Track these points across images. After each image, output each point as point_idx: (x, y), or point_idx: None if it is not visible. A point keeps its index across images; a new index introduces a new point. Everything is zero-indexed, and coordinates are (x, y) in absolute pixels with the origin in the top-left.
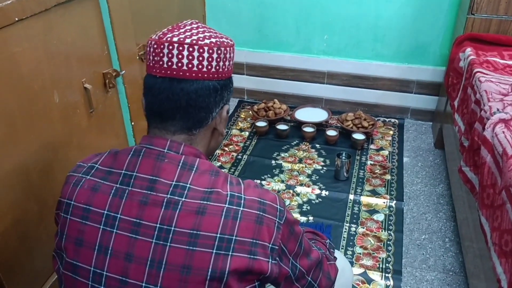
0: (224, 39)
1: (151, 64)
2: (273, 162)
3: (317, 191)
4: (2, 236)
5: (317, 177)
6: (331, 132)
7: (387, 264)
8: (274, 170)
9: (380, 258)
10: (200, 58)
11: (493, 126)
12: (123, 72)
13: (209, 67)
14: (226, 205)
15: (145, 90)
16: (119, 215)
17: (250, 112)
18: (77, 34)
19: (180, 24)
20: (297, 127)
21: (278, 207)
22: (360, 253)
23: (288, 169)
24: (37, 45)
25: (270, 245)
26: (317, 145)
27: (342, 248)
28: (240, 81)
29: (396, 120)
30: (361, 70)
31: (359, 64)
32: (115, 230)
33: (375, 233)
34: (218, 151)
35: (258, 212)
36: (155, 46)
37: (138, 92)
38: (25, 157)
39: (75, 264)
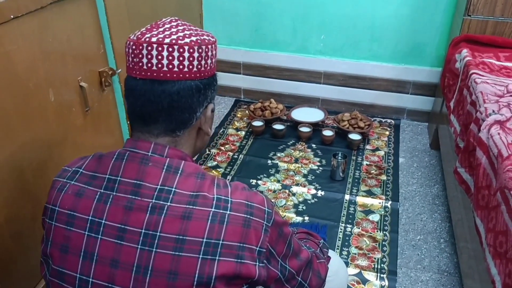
0: (205, 37)
1: (130, 66)
2: (269, 161)
3: (313, 191)
4: None
5: (313, 177)
6: (327, 132)
7: (382, 265)
8: (270, 170)
9: (375, 258)
10: (181, 58)
11: (489, 128)
12: (119, 70)
13: (190, 66)
14: (213, 209)
15: (126, 92)
16: (103, 221)
17: (247, 111)
18: (73, 32)
19: (158, 23)
20: (294, 127)
21: (266, 209)
22: (355, 254)
23: (284, 169)
24: (32, 43)
25: (258, 248)
26: (313, 145)
27: (337, 248)
28: (236, 80)
29: (392, 121)
30: (357, 70)
31: (355, 64)
32: (100, 236)
33: (371, 233)
34: (214, 151)
35: (246, 216)
36: (134, 47)
37: None
38: (19, 155)
39: (61, 271)
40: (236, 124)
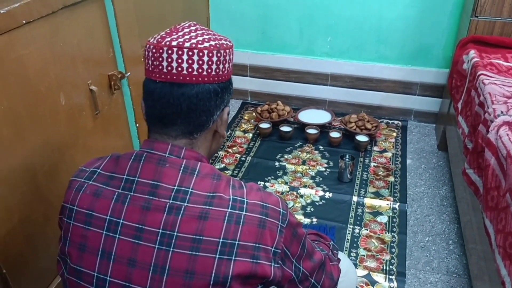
0: (223, 41)
1: (150, 69)
2: (276, 163)
3: (321, 193)
4: (9, 235)
5: (320, 179)
6: (335, 134)
7: (390, 266)
8: (277, 172)
9: (383, 260)
10: (200, 62)
11: (497, 129)
12: (128, 74)
13: (209, 70)
14: (229, 210)
15: (145, 95)
16: (121, 221)
17: (254, 113)
18: (83, 36)
19: (178, 27)
20: (301, 129)
21: (281, 210)
22: (363, 255)
23: (292, 170)
24: (43, 47)
25: (273, 249)
26: (321, 147)
27: (345, 250)
28: (243, 82)
29: (399, 122)
30: (364, 72)
31: (362, 66)
32: (117, 236)
33: (379, 235)
34: (221, 153)
35: (261, 216)
36: (154, 50)
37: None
38: (31, 158)
39: (79, 270)
40: (244, 126)
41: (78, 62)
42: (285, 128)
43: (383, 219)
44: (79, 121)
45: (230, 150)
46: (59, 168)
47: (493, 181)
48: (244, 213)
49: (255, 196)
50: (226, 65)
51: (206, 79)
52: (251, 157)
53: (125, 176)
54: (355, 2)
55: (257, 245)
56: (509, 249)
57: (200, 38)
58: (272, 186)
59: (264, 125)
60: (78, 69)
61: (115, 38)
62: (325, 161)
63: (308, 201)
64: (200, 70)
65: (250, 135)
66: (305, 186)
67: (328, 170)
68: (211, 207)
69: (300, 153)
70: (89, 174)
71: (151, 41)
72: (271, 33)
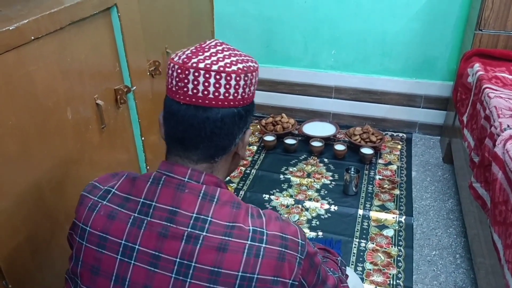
0: (250, 63)
1: (173, 89)
2: (281, 176)
3: (326, 206)
4: (15, 251)
5: (325, 192)
6: (339, 147)
7: (397, 281)
8: (282, 185)
9: (390, 274)
10: (227, 86)
11: (504, 143)
12: (134, 88)
13: (236, 94)
14: (249, 242)
15: (167, 114)
16: (137, 246)
17: (258, 126)
18: (90, 51)
19: (204, 46)
20: (305, 142)
21: (300, 241)
22: (370, 269)
23: (297, 183)
24: (51, 63)
25: (291, 281)
26: (326, 160)
27: (352, 264)
28: None
29: (404, 135)
30: (368, 84)
31: (366, 78)
32: (132, 261)
33: (385, 248)
34: None
35: (280, 249)
36: (179, 71)
37: (149, 107)
38: (38, 173)
39: None
40: None
41: (85, 77)
42: (289, 141)
43: (389, 232)
44: (85, 136)
45: None
46: (65, 183)
47: (501, 196)
48: (264, 245)
49: (274, 226)
50: (252, 88)
51: (232, 103)
52: (256, 170)
53: (142, 200)
54: (359, 15)
55: (275, 278)
56: None
57: (228, 61)
58: (277, 199)
59: (269, 138)
60: (85, 84)
61: (122, 52)
62: (330, 174)
63: (314, 214)
64: (226, 94)
65: (255, 147)
66: (310, 199)
67: (333, 183)
68: (230, 238)
69: (305, 165)
70: (103, 193)
71: (175, 59)
72: (276, 46)
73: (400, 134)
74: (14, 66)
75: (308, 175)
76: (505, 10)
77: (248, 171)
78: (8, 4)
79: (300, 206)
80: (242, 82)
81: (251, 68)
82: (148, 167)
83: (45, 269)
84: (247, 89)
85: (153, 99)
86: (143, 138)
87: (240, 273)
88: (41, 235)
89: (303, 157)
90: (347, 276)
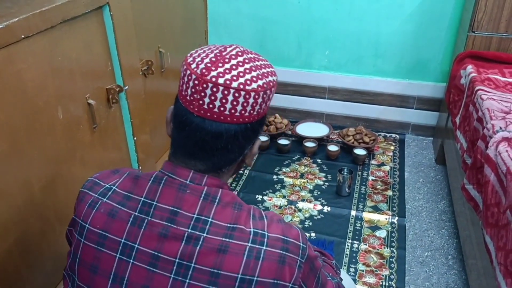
0: (270, 78)
1: (188, 98)
2: (274, 177)
3: (319, 207)
4: (5, 251)
5: (318, 193)
6: (333, 147)
7: (390, 282)
8: (275, 185)
9: (383, 275)
10: (245, 104)
11: (496, 145)
12: (127, 87)
13: (252, 111)
14: (249, 244)
15: (179, 124)
16: (136, 245)
17: None
18: (82, 50)
19: (224, 54)
20: (298, 142)
21: (301, 245)
22: (362, 271)
23: (290, 184)
24: (42, 62)
25: (290, 285)
26: (319, 160)
27: (344, 265)
28: None
29: (397, 136)
30: (362, 85)
31: (360, 79)
32: (132, 261)
33: (378, 250)
34: None
35: (281, 252)
36: (196, 82)
37: (141, 107)
38: (28, 172)
39: None
40: None
41: (77, 76)
42: (282, 141)
43: (382, 233)
44: (76, 135)
45: None
46: (56, 182)
47: (493, 198)
48: (264, 247)
49: (275, 229)
50: (268, 103)
51: (247, 119)
52: (249, 170)
53: (142, 199)
54: (353, 16)
55: (275, 281)
56: (511, 267)
57: (249, 77)
58: (270, 200)
59: (262, 138)
60: (76, 83)
61: (114, 52)
62: (323, 174)
63: (307, 215)
64: (243, 112)
65: None
66: (303, 200)
67: (326, 183)
68: (231, 240)
69: (298, 166)
70: (104, 190)
71: (193, 67)
72: (269, 46)
73: (393, 135)
74: (4, 65)
75: (301, 176)
76: (498, 12)
77: (241, 172)
78: None
79: (293, 207)
80: (260, 100)
81: (271, 84)
82: (140, 167)
83: (36, 269)
84: (263, 105)
85: (146, 98)
86: (135, 138)
87: (239, 275)
88: (31, 234)
89: (296, 157)
90: (341, 279)
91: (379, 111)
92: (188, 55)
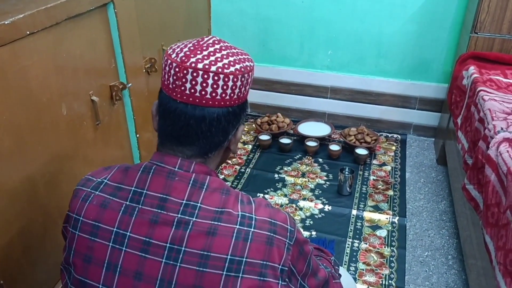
0: (247, 63)
1: (170, 86)
2: (276, 176)
3: (320, 206)
4: (8, 247)
5: (320, 192)
6: (334, 147)
7: (390, 281)
8: (277, 184)
9: (383, 274)
10: (225, 87)
11: (497, 145)
12: (130, 85)
13: (232, 94)
14: (237, 226)
15: (163, 111)
16: (128, 233)
17: (253, 125)
18: (86, 47)
19: (202, 43)
20: (300, 141)
21: (289, 227)
22: (363, 269)
23: (291, 183)
24: (46, 58)
25: (280, 267)
26: (320, 160)
27: (345, 264)
28: None
29: (399, 136)
30: (364, 85)
31: (362, 79)
32: (124, 248)
33: (378, 249)
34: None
35: (269, 233)
36: (177, 69)
37: (144, 104)
38: (32, 169)
39: (83, 281)
40: (243, 138)
41: (80, 73)
42: (284, 140)
43: (382, 233)
44: (79, 132)
45: (229, 161)
46: (59, 178)
47: (494, 198)
48: (252, 229)
49: (263, 212)
50: (247, 87)
51: (228, 102)
52: (250, 169)
53: (133, 188)
54: (356, 16)
55: (264, 262)
56: (510, 267)
57: (226, 61)
58: (271, 198)
59: (264, 137)
60: (80, 79)
61: (118, 49)
62: (325, 173)
63: (308, 214)
64: (223, 95)
65: (250, 146)
66: (304, 199)
67: (327, 183)
68: (219, 223)
69: (299, 165)
70: (96, 184)
71: (173, 57)
72: (272, 45)
73: (395, 135)
74: (9, 61)
75: (303, 175)
76: (500, 13)
77: (242, 170)
78: None
79: (294, 205)
80: (239, 83)
81: (248, 68)
82: None
83: (38, 264)
84: (242, 89)
85: (149, 96)
86: (137, 135)
87: (229, 256)
88: (34, 230)
89: (298, 156)
90: (340, 275)
91: (381, 111)
92: (168, 48)
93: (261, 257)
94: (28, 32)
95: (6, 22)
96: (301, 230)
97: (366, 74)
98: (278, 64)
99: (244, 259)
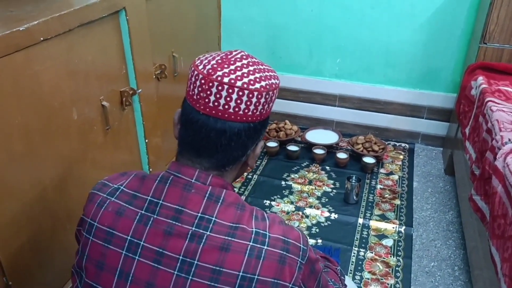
0: (272, 80)
1: (195, 97)
2: (283, 183)
3: (326, 214)
4: (17, 248)
5: (326, 200)
6: (342, 155)
7: None
8: (283, 191)
9: (388, 284)
10: (248, 103)
11: (505, 156)
12: (140, 90)
13: (255, 110)
14: (251, 243)
15: (185, 121)
16: (142, 242)
17: None
18: (97, 53)
19: (230, 57)
20: (308, 149)
21: (301, 246)
22: (368, 279)
23: (298, 190)
24: (59, 64)
25: (291, 285)
26: (327, 167)
27: (350, 273)
28: None
29: (407, 145)
30: (372, 94)
31: (370, 88)
32: (137, 257)
33: (384, 258)
34: None
35: (282, 252)
36: (203, 81)
37: (154, 110)
38: (42, 172)
39: (94, 286)
40: None
41: (92, 78)
42: (292, 148)
43: (389, 242)
44: (89, 136)
45: None
46: (68, 182)
47: (500, 209)
48: (265, 247)
49: (277, 230)
50: (270, 105)
51: (250, 118)
52: (257, 176)
53: (149, 198)
54: (364, 25)
55: (275, 281)
56: None
57: (252, 77)
58: (278, 205)
59: (271, 144)
60: (91, 85)
61: (128, 55)
62: (332, 181)
63: (314, 221)
64: (246, 110)
65: None
66: (311, 207)
67: (334, 191)
68: (233, 239)
69: (306, 173)
70: (112, 190)
71: (200, 68)
72: (281, 53)
73: (403, 144)
74: (22, 66)
75: (310, 182)
76: (510, 24)
77: (249, 177)
78: (19, 4)
79: (300, 213)
80: (262, 100)
81: (273, 85)
82: (150, 169)
83: (45, 267)
84: (266, 106)
85: (158, 102)
86: (146, 140)
87: (241, 273)
88: (42, 233)
89: (305, 164)
90: (345, 286)
91: (389, 120)
92: (196, 58)
93: (273, 275)
94: (42, 39)
95: (21, 29)
96: (308, 238)
97: (374, 82)
98: (287, 72)
99: (256, 277)
